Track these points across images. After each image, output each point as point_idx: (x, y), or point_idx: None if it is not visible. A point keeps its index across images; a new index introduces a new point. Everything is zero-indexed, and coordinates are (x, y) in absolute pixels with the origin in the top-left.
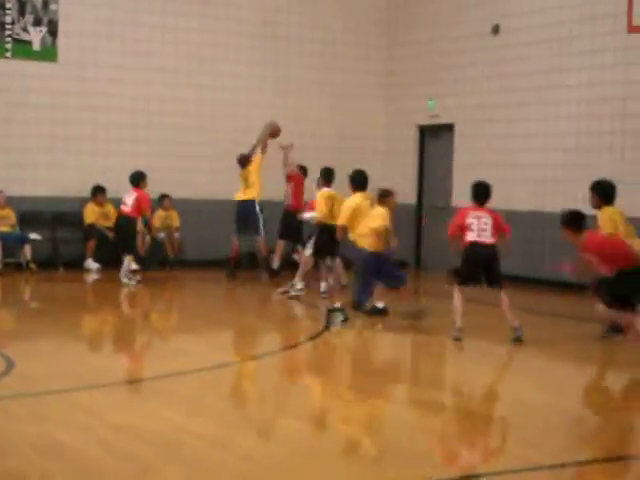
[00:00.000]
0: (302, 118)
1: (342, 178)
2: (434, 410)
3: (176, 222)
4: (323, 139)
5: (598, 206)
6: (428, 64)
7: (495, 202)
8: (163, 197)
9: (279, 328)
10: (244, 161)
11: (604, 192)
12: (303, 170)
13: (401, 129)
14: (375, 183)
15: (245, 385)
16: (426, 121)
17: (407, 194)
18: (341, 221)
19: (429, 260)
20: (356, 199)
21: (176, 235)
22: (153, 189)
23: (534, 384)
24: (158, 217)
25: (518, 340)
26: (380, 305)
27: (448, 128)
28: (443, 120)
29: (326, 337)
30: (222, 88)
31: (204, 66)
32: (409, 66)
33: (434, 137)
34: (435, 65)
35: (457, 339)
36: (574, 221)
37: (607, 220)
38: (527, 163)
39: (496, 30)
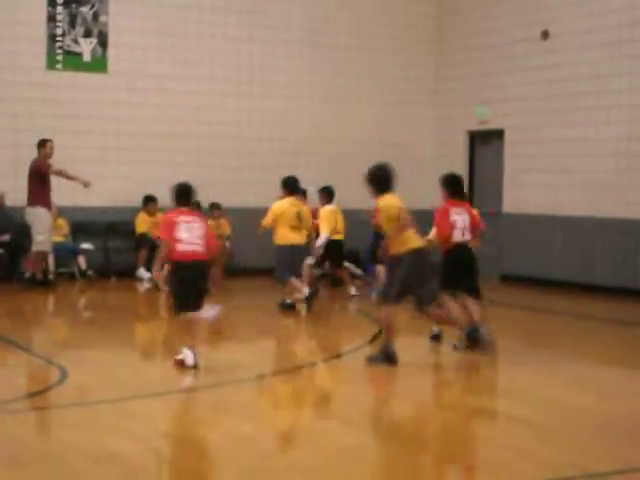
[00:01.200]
0: (351, 125)
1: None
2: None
3: (227, 230)
4: (372, 146)
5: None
6: (477, 70)
7: (545, 207)
8: (212, 206)
9: (331, 335)
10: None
11: (384, 179)
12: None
13: (450, 135)
14: (426, 189)
15: (298, 392)
16: (476, 127)
17: None
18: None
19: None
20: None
21: (227, 244)
22: (203, 198)
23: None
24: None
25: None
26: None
27: (498, 134)
28: (493, 126)
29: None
30: (272, 97)
31: (254, 75)
32: (458, 72)
33: (484, 143)
34: (484, 71)
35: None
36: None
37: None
38: (577, 168)
39: (545, 35)
